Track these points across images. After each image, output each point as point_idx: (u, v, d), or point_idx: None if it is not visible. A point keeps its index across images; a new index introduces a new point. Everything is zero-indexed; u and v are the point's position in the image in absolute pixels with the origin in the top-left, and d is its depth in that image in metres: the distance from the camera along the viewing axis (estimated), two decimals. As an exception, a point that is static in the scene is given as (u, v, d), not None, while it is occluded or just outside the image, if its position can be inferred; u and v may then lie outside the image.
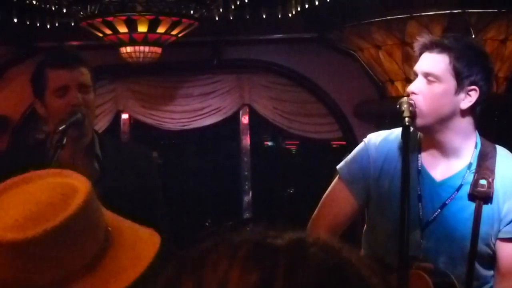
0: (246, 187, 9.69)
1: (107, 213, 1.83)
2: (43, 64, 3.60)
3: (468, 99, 3.05)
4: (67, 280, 1.60)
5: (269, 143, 11.55)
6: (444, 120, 3.08)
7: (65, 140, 3.38)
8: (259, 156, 10.32)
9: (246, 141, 9.79)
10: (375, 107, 8.44)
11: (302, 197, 10.02)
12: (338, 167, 3.38)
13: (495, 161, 3.13)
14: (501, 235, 3.10)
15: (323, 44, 8.95)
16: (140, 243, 1.78)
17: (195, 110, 9.54)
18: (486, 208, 3.07)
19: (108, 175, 3.62)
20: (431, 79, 3.06)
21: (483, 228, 3.06)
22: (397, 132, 3.25)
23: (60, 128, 3.40)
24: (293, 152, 11.57)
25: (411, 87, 3.11)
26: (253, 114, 9.66)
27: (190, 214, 10.10)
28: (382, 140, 3.30)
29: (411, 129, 3.04)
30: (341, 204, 3.35)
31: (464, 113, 3.09)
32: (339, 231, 3.33)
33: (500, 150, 3.20)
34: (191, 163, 10.68)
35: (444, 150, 3.17)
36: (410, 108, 3.01)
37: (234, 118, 9.71)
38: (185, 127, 9.56)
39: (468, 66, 3.05)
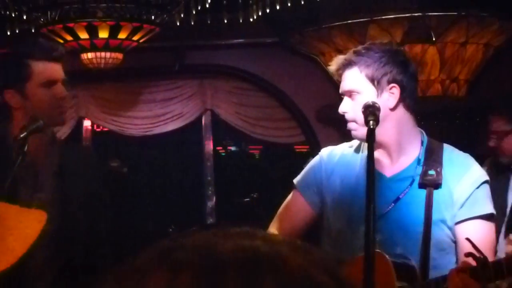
0: (210, 192, 9.67)
1: None
2: (24, 55, 3.60)
3: (392, 97, 3.24)
4: None
5: (233, 148, 11.55)
6: (380, 122, 3.17)
7: (26, 148, 3.38)
8: (222, 161, 10.32)
9: (209, 146, 9.78)
10: (337, 111, 8.46)
11: (266, 201, 10.02)
12: (294, 180, 3.56)
13: (441, 154, 3.30)
14: (457, 219, 3.24)
15: (285, 49, 8.97)
16: (27, 224, 1.78)
17: (157, 116, 9.52)
18: (437, 194, 3.22)
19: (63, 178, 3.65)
20: (353, 94, 3.25)
21: (436, 214, 3.20)
22: (347, 143, 3.47)
23: (21, 136, 3.40)
24: (257, 157, 11.59)
25: (340, 108, 3.33)
26: (216, 119, 9.65)
27: (153, 221, 10.05)
28: (332, 150, 3.49)
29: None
30: (298, 214, 3.51)
31: (396, 110, 3.27)
32: (298, 237, 3.40)
33: (446, 145, 3.38)
34: (154, 170, 10.63)
35: (389, 149, 3.33)
36: (375, 111, 3.14)
37: (196, 124, 9.69)
38: (148, 133, 9.53)
39: (378, 69, 3.23)
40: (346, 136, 3.44)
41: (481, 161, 3.98)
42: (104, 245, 3.80)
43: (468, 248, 3.04)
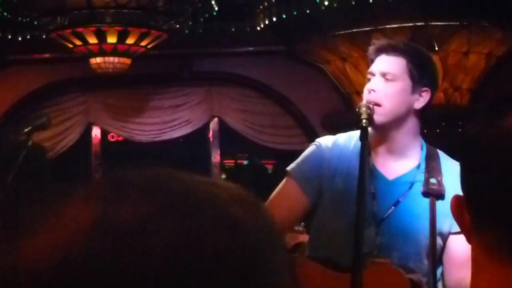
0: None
1: None
2: None
3: (421, 100, 3.22)
4: None
5: (244, 162, 11.55)
6: (399, 119, 3.23)
7: (30, 142, 3.48)
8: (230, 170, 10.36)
9: (216, 153, 9.86)
10: (342, 118, 8.55)
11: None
12: (288, 168, 3.44)
13: (440, 162, 3.30)
14: (453, 229, 3.18)
15: (291, 57, 9.08)
16: None
17: (165, 122, 9.63)
18: (439, 204, 3.20)
19: None
20: (389, 77, 3.20)
21: (438, 224, 3.19)
22: (344, 136, 3.40)
23: (26, 130, 3.50)
24: (270, 171, 11.56)
25: (369, 85, 3.24)
26: (223, 127, 9.75)
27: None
28: (333, 143, 3.39)
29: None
30: (292, 203, 3.40)
31: (416, 113, 3.26)
32: (288, 228, 3.44)
33: (440, 152, 3.38)
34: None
35: (394, 150, 3.31)
36: (368, 111, 3.14)
37: (203, 132, 9.80)
38: (156, 139, 9.63)
39: (421, 69, 3.23)
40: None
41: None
42: None
43: (460, 261, 3.10)
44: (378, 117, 3.19)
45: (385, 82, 3.21)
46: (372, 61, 3.31)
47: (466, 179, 1.31)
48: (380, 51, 3.28)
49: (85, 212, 0.79)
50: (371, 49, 3.33)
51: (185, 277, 0.76)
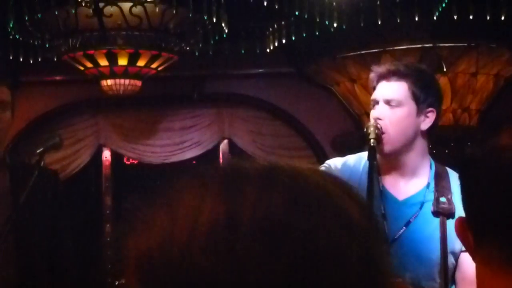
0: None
1: None
2: None
3: (427, 120, 3.28)
4: None
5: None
6: (408, 143, 3.27)
7: (43, 163, 3.52)
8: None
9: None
10: (351, 139, 8.58)
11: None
12: None
13: (449, 180, 3.31)
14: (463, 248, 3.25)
15: (301, 79, 9.13)
16: None
17: (176, 144, 9.66)
18: (449, 223, 3.23)
19: None
20: (393, 104, 3.25)
21: (450, 243, 3.21)
22: (354, 157, 3.45)
23: (38, 151, 3.55)
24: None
25: (375, 113, 3.28)
26: (234, 149, 9.77)
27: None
28: (342, 164, 3.44)
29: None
30: None
31: (423, 134, 3.30)
32: None
33: (449, 170, 3.39)
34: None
35: (404, 171, 3.35)
36: (376, 131, 3.20)
37: (215, 153, 9.82)
38: (166, 161, 9.65)
39: (425, 90, 3.27)
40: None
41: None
42: None
43: (473, 278, 3.13)
44: (387, 146, 3.25)
45: (390, 109, 3.26)
46: (374, 88, 3.36)
47: (464, 197, 1.37)
48: (381, 77, 3.32)
49: (217, 208, 0.83)
50: (372, 76, 3.38)
51: (311, 276, 0.80)
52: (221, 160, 9.79)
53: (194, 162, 10.17)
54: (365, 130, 3.24)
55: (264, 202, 0.83)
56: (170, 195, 0.88)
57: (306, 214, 0.83)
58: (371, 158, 3.15)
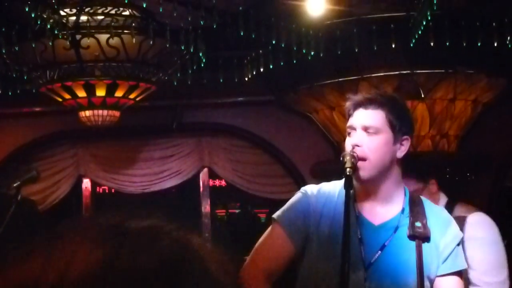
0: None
1: None
2: None
3: (403, 148, 3.34)
4: None
5: (237, 211, 11.51)
6: (385, 170, 3.32)
7: (19, 197, 3.51)
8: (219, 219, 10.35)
9: (207, 203, 9.87)
10: (330, 167, 8.57)
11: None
12: (275, 215, 3.50)
13: (424, 206, 3.40)
14: (439, 272, 3.30)
15: (280, 107, 9.14)
16: None
17: (156, 173, 9.66)
18: (425, 247, 3.29)
19: None
20: (371, 131, 3.29)
21: (425, 267, 3.27)
22: (329, 185, 3.50)
23: (15, 185, 3.54)
24: (262, 220, 11.55)
25: (353, 140, 3.31)
26: (214, 177, 9.79)
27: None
28: (317, 190, 3.47)
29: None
30: (279, 250, 3.44)
31: (397, 162, 3.37)
32: (275, 277, 3.44)
33: (424, 198, 3.51)
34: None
35: (380, 198, 3.39)
36: (352, 160, 3.21)
37: (194, 182, 9.82)
38: (146, 190, 9.64)
39: (400, 118, 3.33)
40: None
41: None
42: None
43: None
44: (364, 172, 3.28)
45: (368, 136, 3.30)
46: (350, 115, 3.39)
47: None
48: (358, 105, 3.36)
49: (95, 253, 0.85)
50: (349, 104, 3.41)
51: None
52: (201, 189, 9.80)
53: (173, 190, 10.19)
54: (341, 158, 3.25)
55: (139, 257, 0.85)
56: (50, 239, 0.90)
57: (177, 279, 0.86)
58: (347, 186, 3.16)
